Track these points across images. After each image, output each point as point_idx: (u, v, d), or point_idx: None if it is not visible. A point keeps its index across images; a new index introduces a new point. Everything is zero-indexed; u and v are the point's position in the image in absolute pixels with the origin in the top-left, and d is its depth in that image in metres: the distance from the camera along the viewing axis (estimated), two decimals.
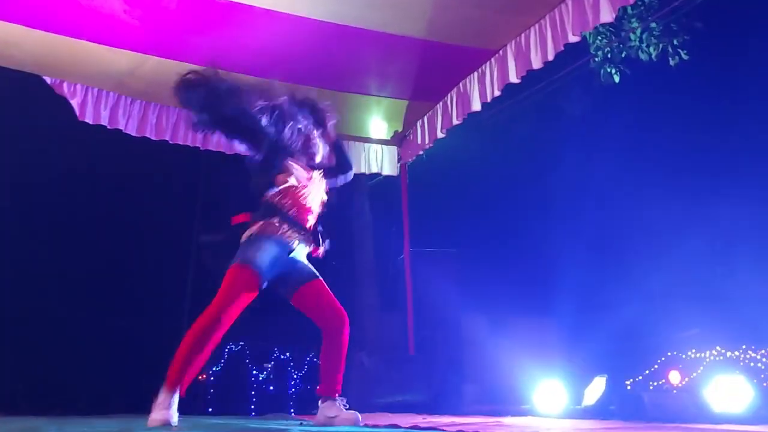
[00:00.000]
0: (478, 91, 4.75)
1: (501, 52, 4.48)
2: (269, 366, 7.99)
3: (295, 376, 8.07)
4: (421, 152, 5.79)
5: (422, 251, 7.15)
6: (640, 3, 5.39)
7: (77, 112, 4.74)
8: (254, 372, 7.86)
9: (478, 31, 4.33)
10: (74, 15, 4.08)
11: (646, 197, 7.15)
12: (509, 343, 6.35)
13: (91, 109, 4.75)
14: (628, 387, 4.24)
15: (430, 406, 5.09)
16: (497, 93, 4.57)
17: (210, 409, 7.69)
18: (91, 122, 4.80)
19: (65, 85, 4.71)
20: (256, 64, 4.28)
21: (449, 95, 5.14)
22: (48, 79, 4.70)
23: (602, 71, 5.87)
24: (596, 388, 4.23)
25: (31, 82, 4.78)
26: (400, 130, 5.84)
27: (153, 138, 5.03)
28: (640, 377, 4.28)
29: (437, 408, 5.00)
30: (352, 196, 7.33)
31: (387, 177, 6.17)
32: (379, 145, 5.97)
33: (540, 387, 4.48)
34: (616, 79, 5.87)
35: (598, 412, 4.10)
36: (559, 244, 7.79)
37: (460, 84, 4.97)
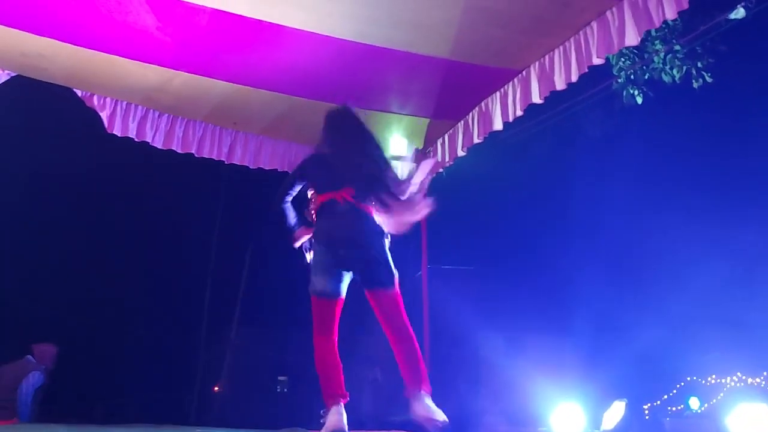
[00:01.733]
0: (500, 110, 4.76)
1: (524, 72, 4.50)
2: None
3: None
4: (441, 170, 5.81)
5: (440, 268, 7.15)
6: (664, 26, 5.40)
7: (106, 124, 4.84)
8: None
9: (502, 51, 4.36)
10: (106, 30, 4.18)
11: (667, 219, 7.11)
12: (526, 363, 6.31)
13: (119, 122, 4.86)
14: (647, 412, 4.20)
15: (446, 425, 5.06)
16: (519, 113, 4.59)
17: None
18: (119, 134, 4.89)
19: (95, 98, 4.81)
20: (283, 81, 4.35)
21: (471, 114, 5.16)
22: (78, 92, 4.81)
23: (625, 92, 5.86)
24: (615, 412, 4.19)
25: (62, 95, 4.90)
26: (420, 147, 5.87)
27: (179, 151, 5.13)
28: (659, 402, 4.24)
29: (454, 427, 4.97)
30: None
31: None
32: (399, 163, 6.00)
33: (558, 409, 4.44)
34: (639, 100, 5.87)
35: None
36: (578, 265, 7.76)
37: (482, 103, 4.99)
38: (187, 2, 3.90)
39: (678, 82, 5.61)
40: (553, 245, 8.25)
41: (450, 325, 6.71)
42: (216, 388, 11.73)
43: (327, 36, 4.19)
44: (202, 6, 3.94)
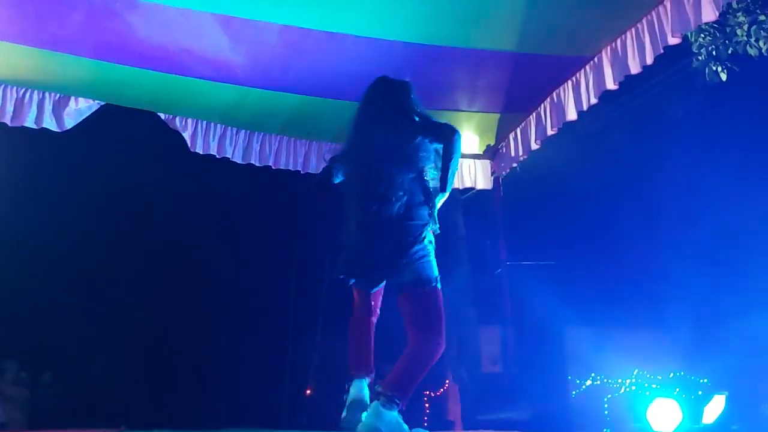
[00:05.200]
0: (573, 99, 4.64)
1: (596, 59, 4.37)
2: None
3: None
4: (515, 165, 5.72)
5: (520, 264, 7.04)
6: None
7: (189, 144, 5.11)
8: None
9: (571, 39, 4.25)
10: (184, 55, 4.41)
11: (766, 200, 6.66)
12: (617, 359, 6.10)
13: (201, 141, 5.11)
14: (751, 405, 3.97)
15: (533, 424, 4.98)
16: (594, 101, 4.45)
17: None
18: (201, 152, 5.15)
19: (177, 119, 5.08)
20: (350, 89, 4.42)
21: (542, 106, 5.06)
22: (162, 115, 5.09)
23: (707, 70, 5.55)
24: (716, 406, 3.98)
25: (146, 119, 5.20)
26: (492, 143, 5.81)
27: (257, 164, 5.34)
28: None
29: (541, 426, 4.88)
30: (447, 211, 7.34)
31: (481, 191, 6.14)
32: (472, 160, 5.97)
33: (654, 404, 4.27)
34: (723, 77, 5.53)
35: (719, 431, 3.85)
36: (668, 254, 7.40)
37: (554, 94, 4.88)
38: (257, 20, 4.06)
39: (766, 54, 5.25)
40: (639, 236, 7.91)
41: (534, 321, 6.58)
42: (308, 392, 12.05)
43: (390, 41, 4.23)
44: (271, 23, 4.09)
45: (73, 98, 4.76)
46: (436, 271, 2.73)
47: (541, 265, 7.69)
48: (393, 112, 2.85)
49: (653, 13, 3.82)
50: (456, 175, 2.86)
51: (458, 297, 7.23)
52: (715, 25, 5.19)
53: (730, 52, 5.36)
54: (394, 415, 2.54)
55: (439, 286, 2.72)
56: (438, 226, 2.79)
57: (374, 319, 2.90)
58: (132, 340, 8.68)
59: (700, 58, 5.44)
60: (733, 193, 7.02)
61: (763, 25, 5.16)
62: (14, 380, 7.43)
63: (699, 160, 7.25)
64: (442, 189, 2.80)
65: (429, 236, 2.74)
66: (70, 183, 8.20)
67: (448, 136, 2.77)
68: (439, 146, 2.78)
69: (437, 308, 2.69)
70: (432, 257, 2.74)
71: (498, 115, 5.39)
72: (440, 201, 2.83)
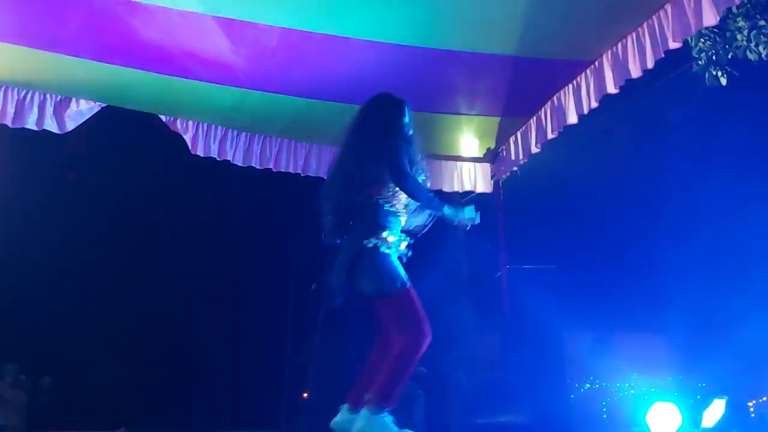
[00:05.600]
0: (574, 103, 4.64)
1: (597, 63, 4.38)
2: None
3: None
4: (515, 168, 5.72)
5: (519, 268, 7.03)
6: (746, 0, 5.08)
7: (190, 146, 5.11)
8: None
9: (572, 43, 4.26)
10: (185, 57, 4.41)
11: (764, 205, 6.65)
12: (616, 363, 6.09)
13: (202, 143, 5.11)
14: (751, 410, 3.96)
15: (532, 427, 4.97)
16: (594, 105, 4.45)
17: None
18: (202, 155, 5.15)
19: (178, 121, 5.08)
20: (351, 92, 4.43)
21: (543, 109, 5.06)
22: (163, 118, 5.09)
23: (707, 74, 5.55)
24: (715, 410, 3.98)
25: (147, 121, 5.21)
26: (492, 146, 5.81)
27: (258, 167, 5.33)
28: (765, 398, 3.99)
29: (541, 430, 4.87)
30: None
31: (481, 194, 6.14)
32: (472, 163, 5.97)
33: (653, 408, 4.27)
34: (723, 82, 5.54)
35: None
36: (669, 259, 7.39)
37: (555, 97, 4.88)
38: (258, 23, 4.07)
39: (765, 59, 5.26)
40: (639, 240, 7.90)
41: (533, 326, 6.57)
42: (305, 395, 12.03)
43: (392, 44, 4.24)
44: (272, 26, 4.09)
45: (74, 100, 4.75)
46: (395, 274, 2.78)
47: (541, 269, 7.68)
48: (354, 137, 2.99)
49: (654, 18, 3.82)
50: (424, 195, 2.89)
51: (458, 301, 7.22)
52: (715, 30, 5.20)
53: (730, 56, 5.37)
54: (383, 419, 2.64)
55: (406, 285, 2.77)
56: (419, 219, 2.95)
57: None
58: (131, 344, 8.67)
59: (700, 62, 5.44)
60: (733, 198, 7.02)
61: (763, 30, 5.17)
62: (13, 384, 7.42)
63: (699, 164, 7.25)
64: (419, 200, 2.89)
65: (380, 244, 2.79)
66: (71, 185, 8.20)
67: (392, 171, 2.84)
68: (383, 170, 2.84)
69: (407, 308, 2.75)
70: (386, 264, 2.79)
71: (498, 119, 5.39)
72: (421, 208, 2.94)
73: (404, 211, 2.92)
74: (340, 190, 2.91)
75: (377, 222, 2.82)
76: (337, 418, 2.84)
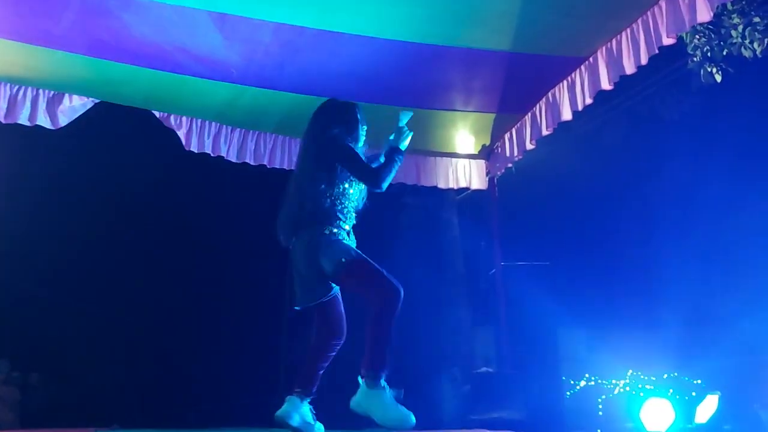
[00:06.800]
0: (569, 99, 4.65)
1: (591, 59, 4.38)
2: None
3: None
4: (510, 165, 5.73)
5: (514, 265, 7.03)
6: None
7: (183, 142, 5.09)
8: None
9: (567, 39, 4.26)
10: (178, 52, 4.39)
11: (762, 202, 6.67)
12: (611, 359, 6.10)
13: (195, 139, 5.09)
14: (743, 405, 3.98)
15: (527, 424, 4.97)
16: (589, 101, 4.46)
17: None
18: (196, 151, 5.13)
19: (172, 117, 5.06)
20: (344, 87, 4.42)
21: (538, 105, 5.06)
22: (156, 113, 5.07)
23: (702, 71, 5.56)
24: (709, 406, 3.99)
25: (141, 117, 5.18)
26: (487, 143, 5.81)
27: (252, 163, 5.32)
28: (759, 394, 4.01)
29: (535, 426, 4.88)
30: (440, 212, 7.34)
31: (476, 191, 6.14)
32: (467, 160, 5.97)
33: (647, 404, 4.28)
34: (718, 78, 5.55)
35: (711, 431, 3.86)
36: (663, 255, 7.40)
37: (549, 93, 4.89)
38: (251, 18, 4.05)
39: (760, 56, 5.27)
40: (635, 237, 7.91)
41: (528, 322, 6.57)
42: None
43: (386, 40, 4.23)
44: (266, 21, 4.08)
45: (67, 95, 4.73)
46: (343, 249, 2.99)
47: (536, 266, 7.67)
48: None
49: (648, 14, 3.82)
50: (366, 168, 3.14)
51: (452, 297, 7.23)
52: (709, 27, 5.21)
53: (724, 53, 5.37)
54: (380, 392, 2.77)
55: (351, 257, 2.96)
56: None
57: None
58: (125, 340, 8.65)
59: (695, 59, 5.45)
60: (728, 195, 7.03)
61: (758, 27, 5.18)
62: (5, 380, 7.39)
63: (694, 161, 7.26)
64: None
65: (327, 228, 3.03)
66: (63, 181, 8.16)
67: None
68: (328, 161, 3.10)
69: (365, 270, 2.94)
70: (334, 243, 3.01)
71: (493, 115, 5.40)
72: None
73: (353, 205, 3.18)
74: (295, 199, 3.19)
75: (329, 217, 3.05)
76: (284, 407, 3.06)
